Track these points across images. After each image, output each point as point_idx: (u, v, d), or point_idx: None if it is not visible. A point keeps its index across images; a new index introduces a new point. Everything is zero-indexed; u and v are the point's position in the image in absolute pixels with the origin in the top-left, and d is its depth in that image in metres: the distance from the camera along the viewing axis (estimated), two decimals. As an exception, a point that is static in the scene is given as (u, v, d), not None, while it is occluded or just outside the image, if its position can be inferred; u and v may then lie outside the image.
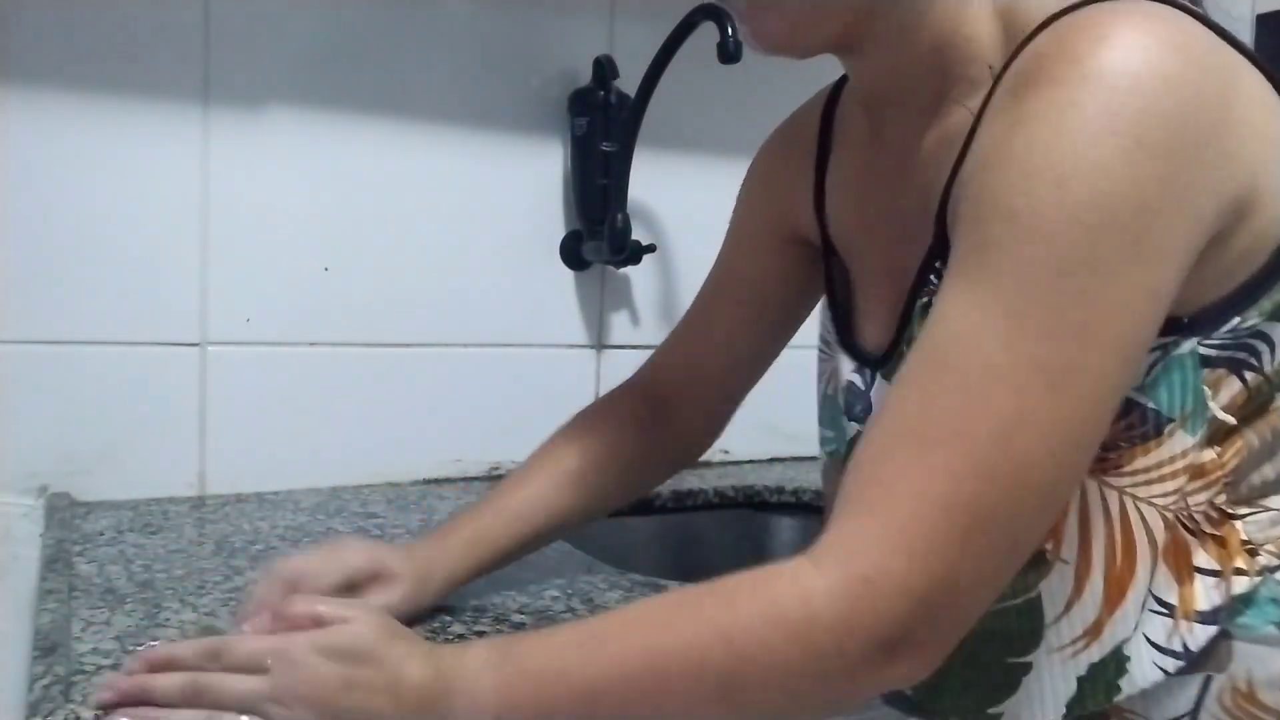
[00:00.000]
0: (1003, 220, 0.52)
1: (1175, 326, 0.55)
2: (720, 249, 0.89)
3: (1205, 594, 0.58)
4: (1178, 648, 0.58)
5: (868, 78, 0.69)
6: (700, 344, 0.89)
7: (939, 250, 0.61)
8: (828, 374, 0.78)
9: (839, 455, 0.75)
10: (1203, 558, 0.58)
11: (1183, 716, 0.60)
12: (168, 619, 0.72)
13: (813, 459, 1.43)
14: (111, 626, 0.70)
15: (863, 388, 0.72)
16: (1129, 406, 0.56)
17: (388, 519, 1.02)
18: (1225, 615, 0.58)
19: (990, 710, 0.64)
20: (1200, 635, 0.58)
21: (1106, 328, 0.51)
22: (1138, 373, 0.55)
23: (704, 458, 1.36)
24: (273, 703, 0.55)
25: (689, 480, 1.27)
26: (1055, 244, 0.50)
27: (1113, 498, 0.57)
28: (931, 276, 0.63)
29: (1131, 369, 0.53)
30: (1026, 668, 0.61)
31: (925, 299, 0.63)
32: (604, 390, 1.30)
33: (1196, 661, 0.58)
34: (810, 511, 1.26)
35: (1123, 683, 0.59)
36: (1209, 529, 0.58)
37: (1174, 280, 0.53)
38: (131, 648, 0.66)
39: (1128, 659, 0.59)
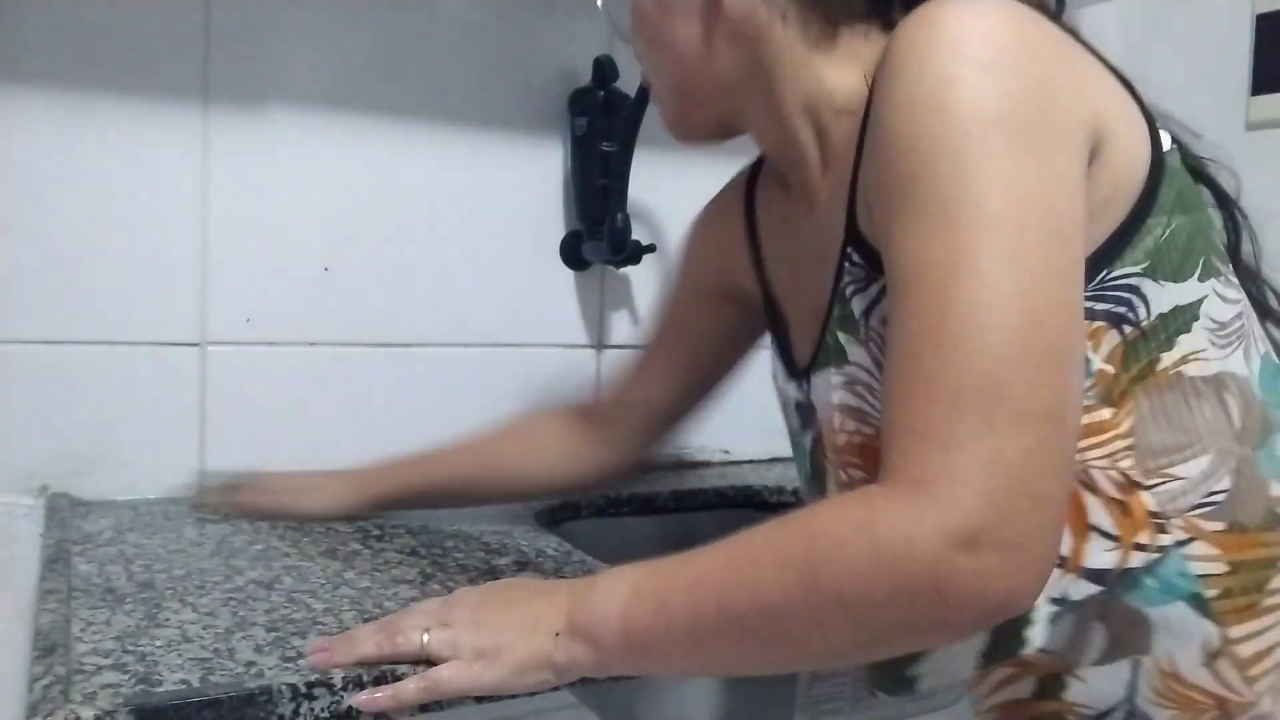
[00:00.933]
0: (902, 159, 0.57)
1: None
2: (664, 299, 0.97)
3: (1096, 554, 0.60)
4: (1056, 594, 0.61)
5: (765, 146, 0.79)
6: (640, 381, 0.97)
7: (850, 238, 0.67)
8: (787, 411, 0.83)
9: (808, 475, 0.79)
10: (1103, 519, 0.60)
11: (1121, 703, 0.62)
12: (168, 619, 0.72)
13: (813, 459, 1.44)
14: (111, 626, 0.70)
15: (802, 398, 0.76)
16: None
17: (388, 519, 1.02)
18: (1117, 580, 0.60)
19: (908, 672, 0.66)
20: (1081, 589, 0.61)
21: (1026, 207, 0.54)
22: (1080, 249, 0.57)
23: (704, 458, 1.37)
24: (450, 617, 0.65)
25: (689, 480, 1.27)
26: (955, 155, 0.55)
27: None
28: (846, 264, 0.67)
29: (1069, 244, 0.56)
30: None
31: (846, 283, 0.67)
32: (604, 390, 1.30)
33: (1127, 627, 0.61)
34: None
35: (1030, 634, 0.62)
36: (1115, 493, 0.60)
37: (1074, 175, 0.57)
38: (131, 647, 0.66)
39: (1033, 609, 0.61)
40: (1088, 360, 0.60)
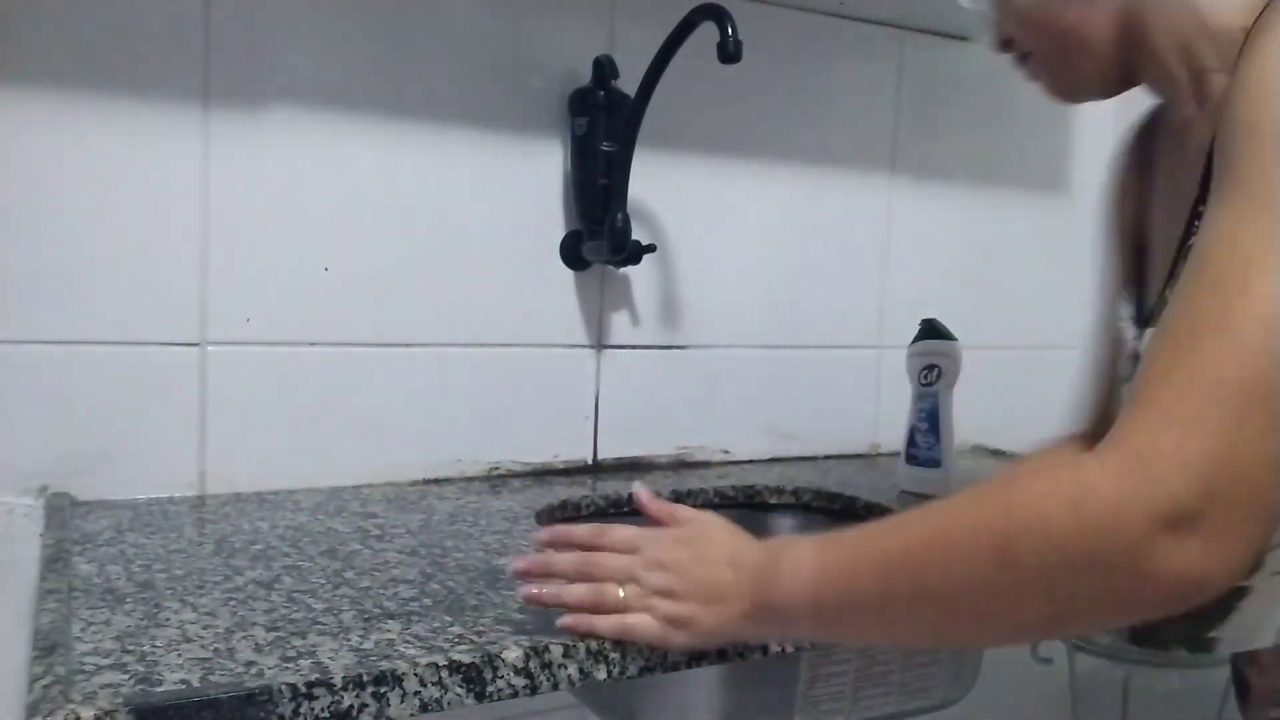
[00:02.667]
0: (1244, 136, 0.58)
1: None
2: (1098, 291, 0.91)
3: None
4: None
5: (1152, 90, 0.78)
6: (1104, 379, 0.89)
7: (1202, 197, 0.66)
8: (1120, 360, 0.82)
9: None
10: None
11: None
12: (168, 619, 0.72)
13: (813, 459, 1.44)
14: (111, 626, 0.70)
15: (1137, 346, 0.77)
16: None
17: (387, 519, 1.02)
18: None
19: (1209, 634, 0.68)
20: None
21: None
22: None
23: (704, 458, 1.38)
24: (642, 572, 0.70)
25: (689, 480, 1.27)
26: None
27: None
28: (1195, 222, 0.67)
29: None
30: (1244, 592, 0.65)
31: (1190, 240, 0.67)
32: (604, 390, 1.30)
33: None
34: (810, 511, 1.26)
35: None
36: None
37: None
38: (131, 647, 0.66)
39: None
40: None
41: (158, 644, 0.67)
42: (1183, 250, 0.69)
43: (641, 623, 0.69)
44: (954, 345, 1.25)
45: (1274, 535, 0.58)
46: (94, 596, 0.76)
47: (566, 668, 0.69)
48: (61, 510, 0.98)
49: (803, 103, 1.41)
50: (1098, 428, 0.88)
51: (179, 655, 0.65)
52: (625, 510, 1.19)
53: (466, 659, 0.66)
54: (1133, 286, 0.83)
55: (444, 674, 0.65)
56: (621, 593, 0.70)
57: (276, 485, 1.11)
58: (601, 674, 0.70)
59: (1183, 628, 0.69)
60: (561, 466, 1.28)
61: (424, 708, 0.64)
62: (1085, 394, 0.91)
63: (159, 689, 0.60)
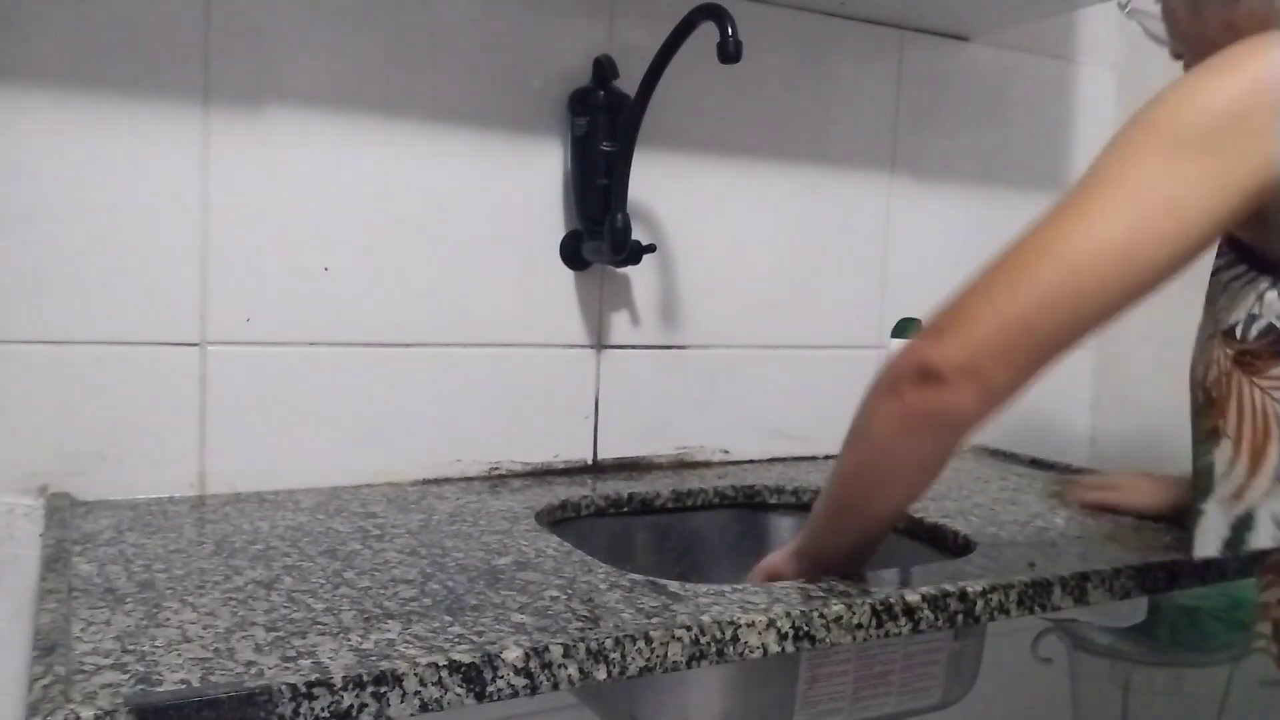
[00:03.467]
0: (1131, 122, 0.77)
1: None
2: None
3: None
4: None
5: None
6: None
7: None
8: None
9: None
10: None
11: None
12: (168, 619, 0.72)
13: (812, 459, 1.44)
14: (111, 626, 0.70)
15: None
16: (1269, 330, 0.80)
17: (388, 519, 1.02)
18: None
19: (1189, 543, 0.86)
20: None
21: (1169, 184, 0.72)
22: (1191, 244, 0.73)
23: (704, 458, 1.38)
24: None
25: (689, 480, 1.27)
26: (1126, 136, 0.76)
27: (1257, 394, 0.80)
28: None
29: (1147, 235, 0.72)
30: (1202, 513, 0.84)
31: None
32: (604, 390, 1.30)
33: None
34: (810, 511, 1.26)
35: (1248, 538, 0.81)
36: None
37: (1204, 189, 0.72)
38: (131, 647, 0.66)
39: (1254, 520, 0.81)
40: None
41: (158, 644, 0.67)
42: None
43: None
44: None
45: (1007, 375, 0.75)
46: (94, 596, 0.76)
47: (566, 668, 0.69)
48: (61, 510, 0.98)
49: (803, 103, 1.41)
50: None
51: (179, 655, 0.65)
52: (625, 510, 1.19)
53: (466, 659, 0.66)
54: None
55: (444, 674, 0.65)
56: None
57: (276, 485, 1.11)
58: (601, 674, 0.70)
59: (1187, 537, 0.87)
60: (561, 466, 1.28)
61: (424, 708, 0.64)
62: None
63: (159, 689, 0.60)
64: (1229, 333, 0.82)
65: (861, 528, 0.87)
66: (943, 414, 0.76)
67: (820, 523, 0.88)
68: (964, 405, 0.74)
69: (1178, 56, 0.95)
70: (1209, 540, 0.84)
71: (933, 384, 0.74)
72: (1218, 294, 0.86)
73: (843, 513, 0.86)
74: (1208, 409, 0.84)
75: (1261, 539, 0.81)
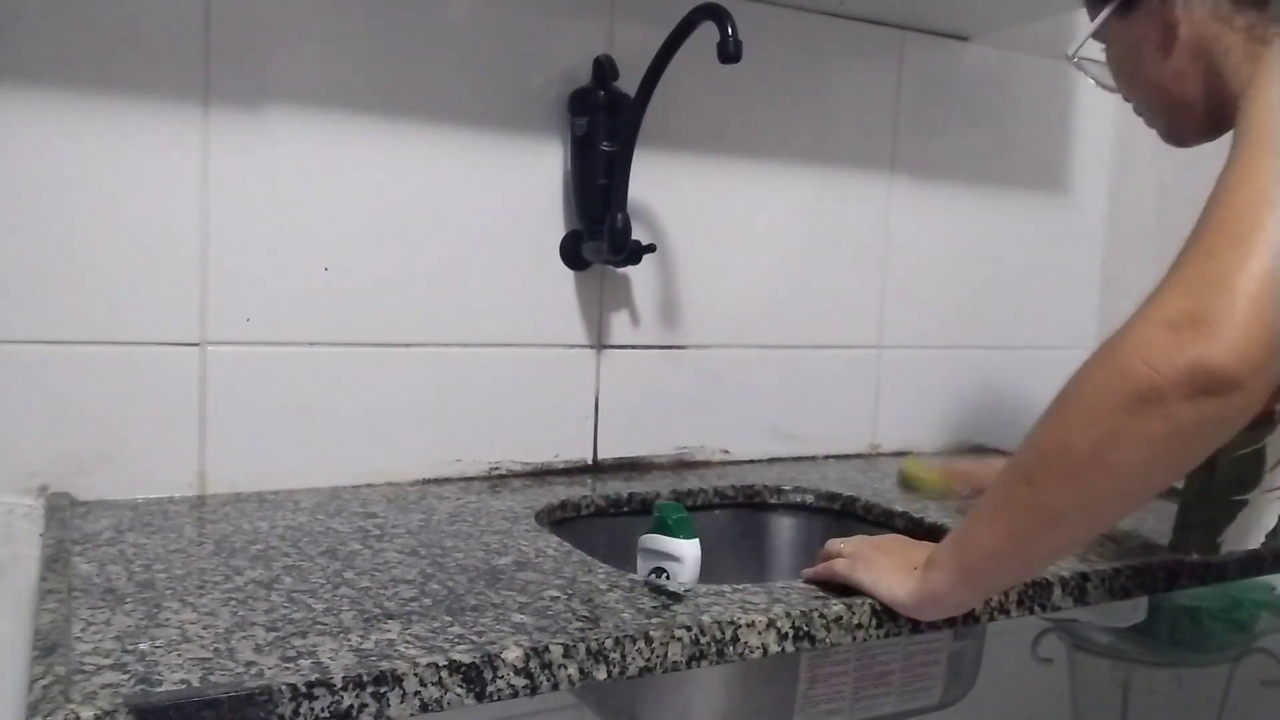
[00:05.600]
0: (1251, 126, 0.72)
1: None
2: None
3: None
4: None
5: None
6: None
7: None
8: None
9: None
10: None
11: None
12: (168, 619, 0.72)
13: (812, 459, 1.44)
14: (111, 626, 0.70)
15: None
16: None
17: (388, 519, 1.02)
18: None
19: (1216, 540, 0.83)
20: None
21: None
22: None
23: (704, 458, 1.38)
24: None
25: (689, 480, 1.27)
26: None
27: None
28: None
29: None
30: (1244, 504, 0.80)
31: None
32: (604, 390, 1.30)
33: None
34: (810, 511, 1.26)
35: None
36: None
37: None
38: (131, 647, 0.66)
39: None
40: None
41: (158, 644, 0.67)
42: None
43: (840, 562, 0.84)
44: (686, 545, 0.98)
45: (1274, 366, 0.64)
46: (94, 596, 0.76)
47: (566, 668, 0.69)
48: (61, 510, 0.98)
49: (803, 103, 1.41)
50: None
51: (179, 655, 0.65)
52: (625, 510, 1.19)
53: (466, 659, 0.66)
54: None
55: (444, 674, 0.65)
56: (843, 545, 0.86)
57: (276, 485, 1.11)
58: (601, 674, 0.70)
59: (1200, 535, 0.85)
60: (561, 466, 1.28)
61: (424, 708, 0.65)
62: None
63: (159, 689, 0.60)
64: None
65: (1049, 552, 0.75)
66: (1227, 423, 0.64)
67: (993, 530, 0.72)
68: (1254, 406, 0.62)
69: (1129, 101, 0.95)
70: (1251, 532, 0.80)
71: (1220, 393, 0.61)
72: None
73: (1032, 532, 0.70)
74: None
75: None
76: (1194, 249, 0.65)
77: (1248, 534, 0.81)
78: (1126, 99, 0.95)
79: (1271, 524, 0.81)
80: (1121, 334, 0.65)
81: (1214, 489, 0.81)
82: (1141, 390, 0.62)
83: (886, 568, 0.80)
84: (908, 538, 0.87)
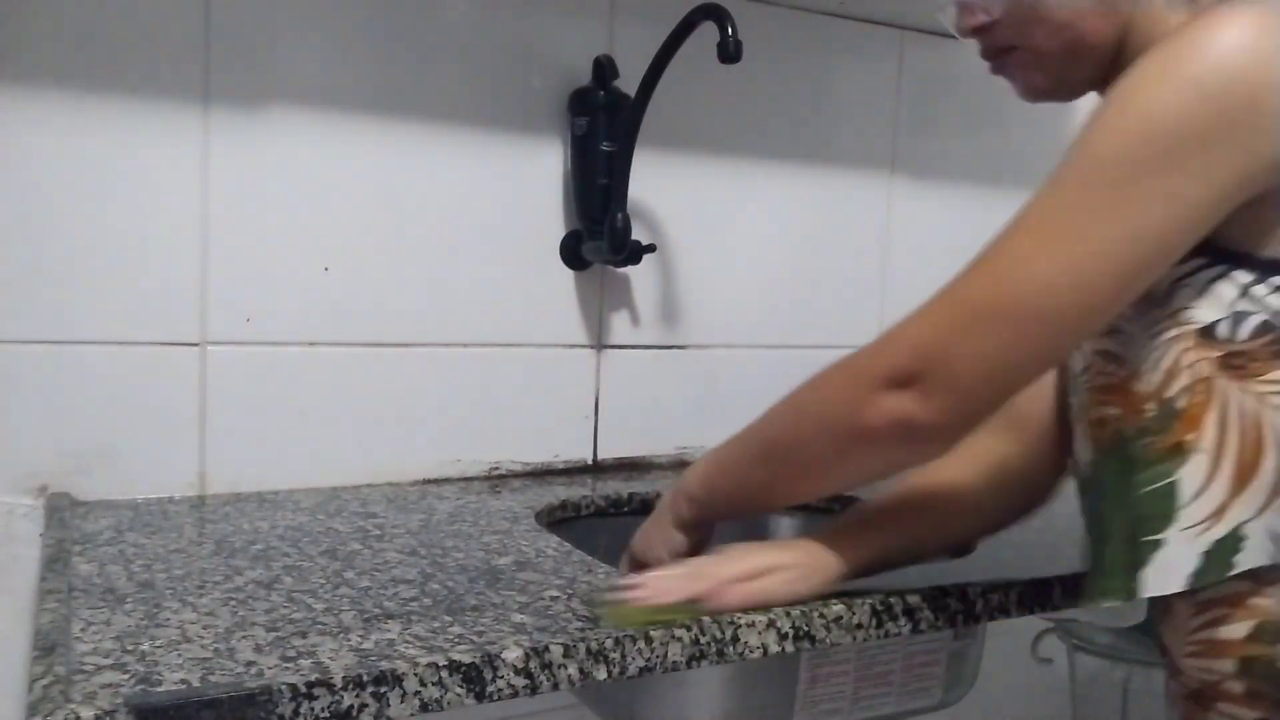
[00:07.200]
0: (1076, 144, 0.70)
1: None
2: None
3: None
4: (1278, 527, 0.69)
5: None
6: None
7: None
8: None
9: (1076, 407, 0.83)
10: None
11: None
12: (168, 619, 0.72)
13: (813, 459, 1.44)
14: (111, 626, 0.70)
15: None
16: (1266, 327, 0.68)
17: (388, 519, 1.02)
18: None
19: (1129, 585, 0.73)
20: None
21: (1122, 213, 0.67)
22: (1154, 265, 0.69)
23: (704, 458, 1.38)
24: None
25: (689, 480, 1.27)
26: (1100, 148, 0.69)
27: (1249, 401, 0.69)
28: None
29: (1143, 259, 0.68)
30: (1159, 544, 0.71)
31: None
32: (604, 390, 1.30)
33: None
34: (810, 511, 1.26)
35: (1236, 560, 0.69)
36: None
37: (1208, 202, 0.66)
38: (131, 647, 0.66)
39: (1244, 539, 0.69)
40: None
41: (158, 644, 0.67)
42: None
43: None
44: None
45: (984, 415, 0.72)
46: (94, 596, 0.76)
47: (566, 668, 0.69)
48: (61, 510, 0.98)
49: (803, 103, 1.41)
50: None
51: (179, 655, 0.65)
52: (625, 510, 1.19)
53: (466, 659, 0.66)
54: None
55: (444, 674, 0.65)
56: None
57: (276, 485, 1.11)
58: (601, 674, 0.70)
59: (1111, 581, 0.74)
60: (561, 466, 1.28)
61: (424, 708, 0.64)
62: None
63: (159, 689, 0.60)
64: (1206, 333, 0.70)
65: (768, 496, 0.87)
66: (930, 456, 0.76)
67: (729, 469, 0.88)
68: (944, 449, 0.74)
69: (979, 34, 0.85)
70: (1168, 576, 0.70)
71: (916, 440, 0.73)
72: (1172, 292, 0.72)
73: (758, 496, 0.86)
74: (1168, 424, 0.71)
75: (1255, 557, 0.68)
76: (947, 298, 0.74)
77: (1168, 577, 0.70)
78: (978, 30, 0.85)
79: (1194, 565, 0.69)
80: (858, 370, 0.76)
81: (1126, 528, 0.72)
82: (863, 431, 0.73)
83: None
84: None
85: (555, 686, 0.69)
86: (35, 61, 0.99)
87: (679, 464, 1.35)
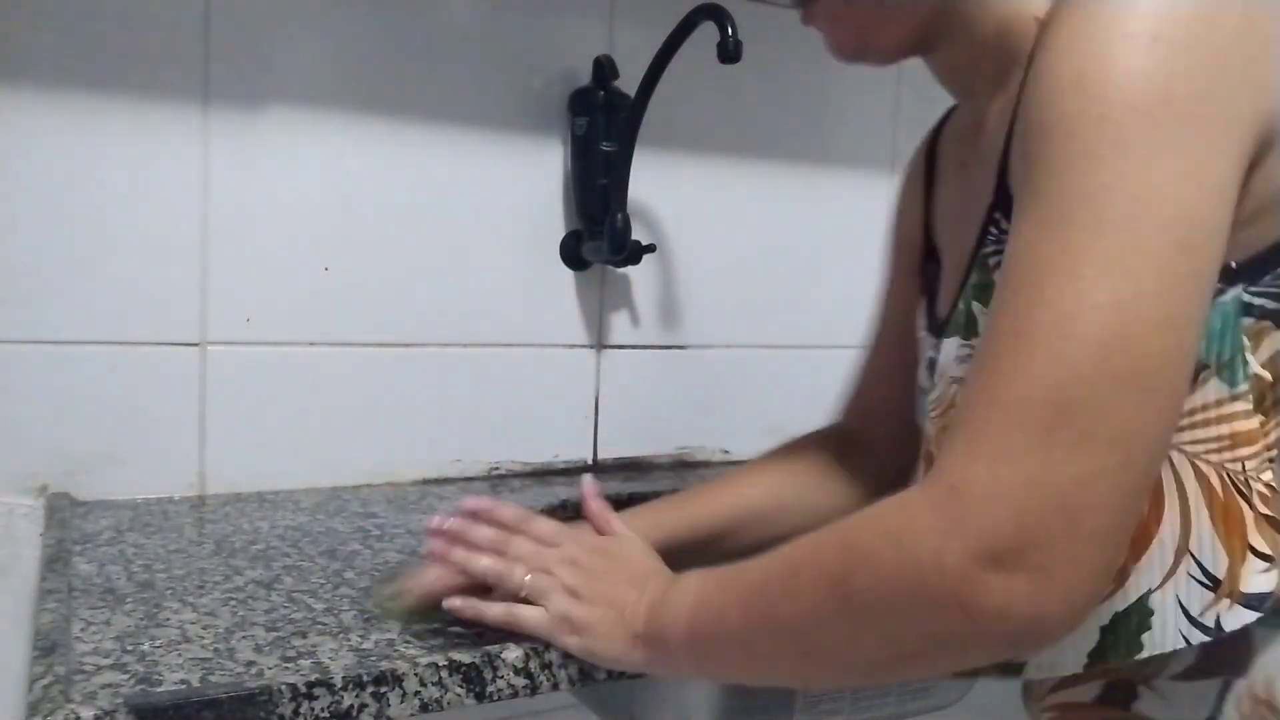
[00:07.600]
0: (1039, 136, 0.53)
1: (1223, 274, 0.54)
2: (880, 291, 0.95)
3: (1254, 577, 0.56)
4: (1209, 623, 0.56)
5: (944, 72, 0.75)
6: (874, 379, 0.95)
7: (999, 203, 0.63)
8: (920, 365, 0.80)
9: (927, 437, 0.76)
10: (1259, 540, 0.56)
11: None
12: (168, 619, 0.72)
13: (813, 459, 1.44)
14: (111, 626, 0.70)
15: (935, 355, 0.74)
16: None
17: (388, 519, 1.02)
18: (1271, 606, 0.56)
19: (1014, 660, 0.63)
20: (1239, 617, 0.56)
21: (1151, 210, 0.49)
22: (1211, 259, 0.52)
23: (704, 458, 1.38)
24: (555, 566, 0.70)
25: (689, 480, 1.27)
26: (1082, 139, 0.51)
27: None
28: (991, 229, 0.64)
29: (1195, 254, 0.50)
30: (1151, 611, 0.58)
31: (988, 248, 0.64)
32: (603, 390, 1.30)
33: (1223, 643, 0.57)
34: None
35: (1145, 639, 0.58)
36: (1261, 506, 0.56)
37: (1225, 174, 0.51)
38: (131, 647, 0.66)
39: (1151, 613, 0.57)
40: (1245, 362, 0.56)
41: (158, 644, 0.67)
42: (976, 258, 0.66)
43: (534, 615, 0.68)
44: None
45: (1116, 561, 0.52)
46: (94, 596, 0.76)
47: (566, 668, 0.69)
48: (61, 510, 0.98)
49: (803, 103, 1.41)
50: (858, 424, 0.97)
51: (179, 655, 0.65)
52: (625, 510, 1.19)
53: (466, 659, 0.66)
54: (925, 295, 0.81)
55: (444, 674, 0.65)
56: (527, 578, 0.69)
57: (276, 485, 1.11)
58: (601, 674, 0.70)
59: (1123, 643, 0.61)
60: (561, 466, 1.28)
61: (424, 708, 0.64)
62: (850, 389, 0.99)
63: (159, 689, 0.60)
64: None
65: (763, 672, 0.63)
66: (1028, 653, 0.60)
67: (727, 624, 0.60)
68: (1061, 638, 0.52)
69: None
70: (1062, 656, 0.60)
71: (1043, 638, 0.51)
72: None
73: (757, 642, 0.59)
74: None
75: (1168, 639, 0.57)
76: (1013, 410, 0.49)
77: (1061, 653, 0.60)
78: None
79: (1093, 641, 0.59)
80: (938, 544, 0.49)
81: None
82: (955, 635, 0.51)
83: (602, 632, 0.67)
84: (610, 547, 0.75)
85: (555, 686, 0.69)
86: (35, 61, 0.99)
87: (679, 464, 1.35)
